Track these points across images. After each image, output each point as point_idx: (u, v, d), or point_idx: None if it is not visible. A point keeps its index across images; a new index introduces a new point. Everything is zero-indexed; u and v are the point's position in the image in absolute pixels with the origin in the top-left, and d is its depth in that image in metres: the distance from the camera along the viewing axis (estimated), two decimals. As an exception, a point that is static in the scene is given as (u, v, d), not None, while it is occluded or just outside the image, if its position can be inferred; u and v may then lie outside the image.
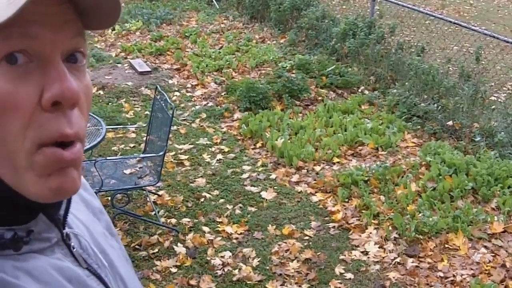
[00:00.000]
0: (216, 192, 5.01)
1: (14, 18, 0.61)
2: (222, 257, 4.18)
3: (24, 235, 0.72)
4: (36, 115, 0.66)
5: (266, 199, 4.93)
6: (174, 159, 5.54)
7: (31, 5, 0.62)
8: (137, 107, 6.77)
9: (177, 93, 7.22)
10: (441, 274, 4.02)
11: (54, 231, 0.77)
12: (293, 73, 7.38)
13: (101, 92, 7.14)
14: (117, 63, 8.19)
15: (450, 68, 7.32)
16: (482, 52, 7.05)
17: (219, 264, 4.09)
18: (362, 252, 4.27)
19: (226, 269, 4.05)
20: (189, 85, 7.50)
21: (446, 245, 4.30)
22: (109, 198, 4.55)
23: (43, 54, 0.67)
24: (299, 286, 3.90)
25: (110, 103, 6.82)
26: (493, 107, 6.46)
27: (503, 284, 3.88)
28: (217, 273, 4.01)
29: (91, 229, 0.87)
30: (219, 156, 5.64)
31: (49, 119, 0.67)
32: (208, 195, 4.95)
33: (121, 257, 0.93)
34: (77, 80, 0.70)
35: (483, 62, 7.31)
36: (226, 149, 5.78)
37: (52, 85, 0.66)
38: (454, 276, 3.99)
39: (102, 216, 0.95)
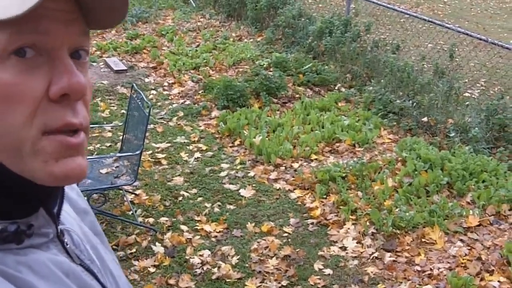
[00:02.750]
0: (194, 191, 5.00)
1: (27, 13, 0.63)
2: (201, 255, 4.17)
3: (25, 229, 0.73)
4: (43, 105, 0.69)
5: (245, 197, 4.93)
6: (151, 158, 5.52)
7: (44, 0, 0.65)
8: (113, 106, 6.73)
9: (153, 92, 7.19)
10: (418, 268, 4.07)
11: (52, 227, 0.78)
12: (270, 71, 7.39)
13: (76, 91, 7.07)
14: (92, 62, 8.13)
15: (425, 65, 7.40)
16: (456, 49, 7.15)
17: (198, 263, 4.09)
18: (340, 247, 4.30)
19: (205, 268, 4.04)
20: (166, 84, 7.47)
21: (423, 239, 4.35)
22: (86, 198, 4.52)
23: (52, 49, 0.69)
24: (279, 283, 3.91)
25: (86, 103, 6.75)
26: (467, 103, 6.54)
27: (479, 277, 3.93)
28: (196, 272, 4.01)
29: (81, 224, 0.89)
30: (197, 155, 5.62)
31: (56, 109, 0.70)
32: (186, 194, 4.94)
33: (109, 253, 0.95)
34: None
35: (457, 59, 7.41)
36: (204, 148, 5.77)
37: (61, 78, 0.69)
38: (431, 269, 4.04)
39: (86, 216, 0.95)
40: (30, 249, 0.74)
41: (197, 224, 4.54)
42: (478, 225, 4.50)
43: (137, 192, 4.90)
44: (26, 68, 0.68)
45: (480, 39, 6.60)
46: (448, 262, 4.11)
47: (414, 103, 6.32)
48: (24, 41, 0.67)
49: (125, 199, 4.77)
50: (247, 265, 4.09)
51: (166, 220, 4.56)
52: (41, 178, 0.71)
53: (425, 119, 6.15)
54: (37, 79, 0.68)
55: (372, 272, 4.03)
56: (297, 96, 7.00)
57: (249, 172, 5.31)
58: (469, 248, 4.26)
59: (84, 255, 0.83)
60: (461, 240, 4.34)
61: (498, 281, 3.88)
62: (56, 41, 0.69)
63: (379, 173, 5.20)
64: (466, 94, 7.07)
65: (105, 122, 6.21)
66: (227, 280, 3.92)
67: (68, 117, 0.70)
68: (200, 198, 4.89)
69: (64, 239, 0.80)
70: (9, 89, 0.67)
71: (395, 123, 6.26)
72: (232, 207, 4.80)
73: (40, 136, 0.69)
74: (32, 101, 0.68)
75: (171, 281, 3.90)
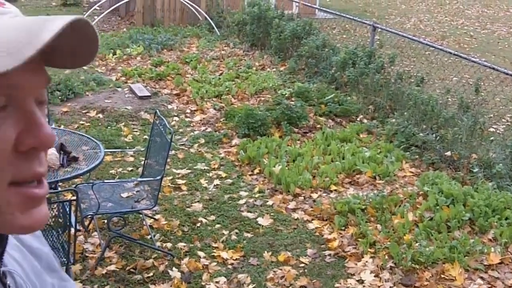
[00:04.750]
0: (212, 217, 4.99)
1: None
2: (217, 282, 4.15)
3: None
4: (11, 157, 0.67)
5: (263, 225, 4.91)
6: (171, 184, 5.54)
7: None
8: (136, 131, 6.79)
9: (176, 118, 7.25)
10: (437, 305, 3.99)
11: None
12: (292, 101, 7.42)
13: (100, 115, 7.16)
14: (117, 87, 8.24)
15: (449, 99, 7.36)
16: (482, 83, 7.10)
17: (214, 290, 4.06)
18: (357, 280, 4.24)
19: (220, 295, 4.02)
20: (188, 111, 7.53)
21: (442, 275, 4.28)
22: (105, 221, 4.53)
23: (21, 101, 0.67)
24: (294, 314, 3.87)
25: (109, 127, 6.84)
26: (491, 138, 6.47)
27: (499, 316, 3.85)
28: (211, 299, 3.98)
29: (24, 266, 0.86)
30: (217, 182, 5.63)
31: (23, 161, 0.68)
32: (204, 220, 4.93)
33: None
34: None
35: (482, 94, 7.35)
36: (224, 175, 5.78)
37: (31, 131, 0.67)
38: (450, 307, 3.96)
39: (40, 252, 0.93)
40: None
41: (214, 250, 4.52)
42: (500, 263, 4.41)
43: (157, 216, 4.92)
44: None
45: (507, 73, 6.56)
46: (468, 300, 4.03)
47: (438, 137, 6.27)
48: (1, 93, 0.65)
49: (144, 223, 4.78)
50: (263, 294, 4.05)
51: (184, 246, 4.55)
52: (6, 229, 0.71)
53: (448, 153, 6.09)
54: (6, 131, 0.66)
55: (389, 306, 3.96)
56: (318, 126, 7.00)
57: (267, 201, 5.30)
58: (489, 286, 4.17)
59: None
60: (482, 278, 4.26)
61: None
62: (26, 93, 0.68)
63: (399, 206, 5.15)
64: (491, 129, 7.00)
65: (127, 147, 6.26)
66: (242, 309, 3.88)
67: (35, 167, 0.69)
68: (218, 225, 4.88)
69: (7, 281, 0.77)
70: (3, 145, 0.66)
71: (417, 156, 6.21)
72: (249, 235, 4.78)
73: (6, 188, 0.67)
74: (2, 155, 0.66)
75: (186, 308, 3.88)
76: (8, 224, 0.69)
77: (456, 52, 7.39)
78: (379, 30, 8.68)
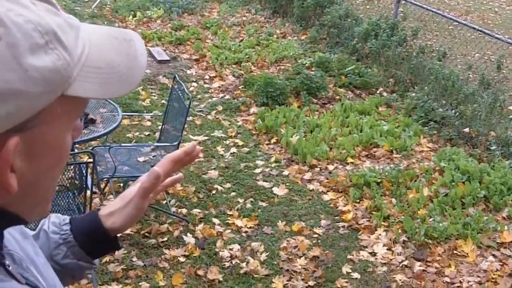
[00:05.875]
0: (228, 185, 5.03)
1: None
2: (231, 249, 4.20)
3: None
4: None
5: (278, 195, 4.94)
6: (188, 150, 5.55)
7: None
8: (154, 96, 6.80)
9: (194, 84, 7.25)
10: (448, 280, 4.02)
11: None
12: (312, 71, 7.37)
13: (119, 78, 7.16)
14: (137, 51, 8.21)
15: (471, 75, 7.27)
16: (504, 61, 7.00)
17: (227, 256, 4.12)
18: (370, 253, 4.27)
19: (234, 262, 4.07)
20: (207, 77, 7.51)
21: (455, 251, 4.29)
22: (121, 184, 4.59)
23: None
24: (306, 282, 3.92)
25: (127, 90, 6.83)
26: (511, 116, 6.41)
27: (509, 294, 3.86)
28: (224, 265, 4.04)
29: (19, 241, 0.87)
30: (233, 150, 5.65)
31: None
32: (220, 188, 4.97)
33: (45, 263, 0.93)
34: None
35: (504, 71, 7.25)
36: (241, 143, 5.80)
37: (76, 130, 0.79)
38: (460, 282, 3.98)
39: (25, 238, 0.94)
40: None
41: (229, 218, 4.57)
42: (513, 241, 4.42)
43: (172, 182, 4.94)
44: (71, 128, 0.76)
45: (530, 52, 6.45)
46: (479, 276, 4.05)
47: (457, 113, 6.22)
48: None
49: (159, 188, 4.81)
50: (275, 262, 4.10)
51: (199, 212, 4.60)
52: (34, 217, 0.78)
53: (466, 130, 6.05)
54: (68, 139, 0.76)
55: (400, 280, 3.99)
56: (337, 97, 6.97)
57: (283, 171, 5.32)
58: (501, 263, 4.19)
59: (28, 273, 0.82)
60: (494, 255, 4.27)
61: (530, 300, 3.80)
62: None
63: (415, 181, 5.15)
64: (511, 108, 6.93)
65: (145, 111, 6.29)
66: (255, 276, 3.93)
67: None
68: (233, 193, 4.92)
69: (5, 261, 0.77)
70: (68, 150, 0.76)
71: (435, 131, 6.18)
72: (264, 204, 4.81)
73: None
74: (66, 157, 0.77)
75: (200, 272, 3.94)
76: (42, 211, 0.78)
77: (479, 28, 7.26)
78: (403, 2, 8.55)
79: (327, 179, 5.21)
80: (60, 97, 0.68)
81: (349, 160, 5.53)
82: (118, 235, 1.10)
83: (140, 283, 3.82)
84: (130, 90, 0.74)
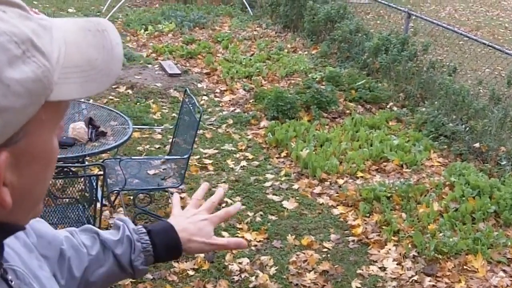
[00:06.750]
0: (238, 199, 5.03)
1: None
2: (240, 263, 4.20)
3: None
4: None
5: (287, 209, 4.94)
6: (198, 163, 5.58)
7: None
8: (165, 109, 6.84)
9: (205, 97, 7.28)
10: (458, 296, 3.99)
11: None
12: (322, 85, 7.38)
13: (129, 91, 7.22)
14: (148, 64, 8.28)
15: (481, 90, 7.26)
16: (515, 76, 6.98)
17: (237, 270, 4.11)
18: (380, 267, 4.26)
19: (243, 276, 4.07)
20: (217, 90, 7.55)
21: (465, 267, 4.27)
22: (131, 197, 4.60)
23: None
24: (314, 297, 3.90)
25: (138, 103, 6.89)
26: (521, 132, 6.39)
27: (520, 311, 3.83)
28: (234, 278, 4.03)
29: (22, 256, 0.87)
30: (243, 163, 5.66)
31: None
32: (229, 201, 4.97)
33: (50, 277, 0.93)
34: None
35: (515, 86, 7.23)
36: (251, 156, 5.81)
37: (60, 129, 0.77)
38: (471, 299, 3.96)
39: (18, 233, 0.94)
40: None
41: (238, 232, 4.57)
42: (524, 257, 4.39)
43: (182, 195, 4.96)
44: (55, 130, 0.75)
45: (540, 67, 6.44)
46: (490, 293, 4.02)
47: (467, 128, 6.21)
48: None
49: (170, 201, 4.83)
50: (284, 276, 4.09)
51: (208, 225, 4.58)
52: (30, 219, 0.78)
53: (477, 145, 6.03)
54: (56, 141, 0.75)
55: (410, 295, 3.98)
56: (347, 112, 6.98)
57: (293, 185, 5.32)
58: (511, 279, 4.16)
59: None
60: (504, 271, 4.25)
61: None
62: None
63: (425, 196, 5.13)
64: (521, 123, 6.91)
65: (156, 124, 6.31)
66: (264, 290, 3.93)
67: None
68: (243, 207, 4.92)
69: (8, 276, 0.77)
70: (57, 150, 0.75)
71: (445, 146, 6.17)
72: (274, 217, 4.81)
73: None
74: (55, 160, 0.76)
75: (209, 286, 3.94)
76: (36, 213, 0.77)
77: (490, 43, 7.27)
78: (414, 17, 8.57)
79: (337, 193, 5.20)
80: (43, 104, 0.66)
81: (359, 174, 5.53)
82: None
83: (149, 296, 3.82)
84: (110, 85, 0.71)
